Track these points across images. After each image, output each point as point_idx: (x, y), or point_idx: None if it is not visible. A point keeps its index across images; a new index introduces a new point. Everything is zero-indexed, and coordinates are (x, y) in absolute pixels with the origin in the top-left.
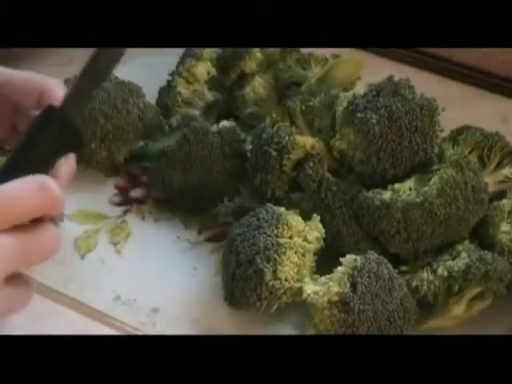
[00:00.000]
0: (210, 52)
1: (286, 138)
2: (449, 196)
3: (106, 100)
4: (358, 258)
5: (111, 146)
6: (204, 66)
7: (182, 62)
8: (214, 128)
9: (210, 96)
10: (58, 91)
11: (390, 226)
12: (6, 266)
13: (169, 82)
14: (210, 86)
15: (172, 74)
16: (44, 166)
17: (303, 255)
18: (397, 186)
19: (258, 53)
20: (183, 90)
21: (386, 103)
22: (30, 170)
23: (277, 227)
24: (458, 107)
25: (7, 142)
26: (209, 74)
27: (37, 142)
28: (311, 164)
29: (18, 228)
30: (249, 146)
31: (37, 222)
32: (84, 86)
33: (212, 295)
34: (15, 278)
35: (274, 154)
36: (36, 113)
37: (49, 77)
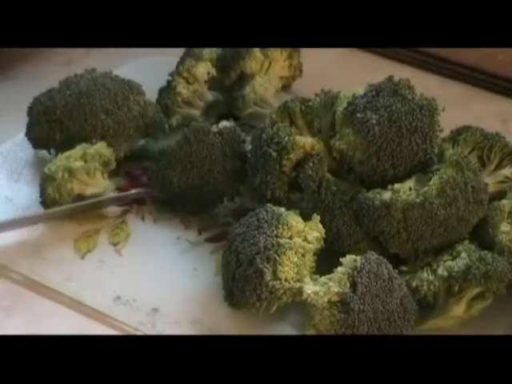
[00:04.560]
0: (209, 52)
1: (286, 138)
2: (449, 196)
3: (106, 96)
4: (358, 258)
5: (112, 141)
6: (204, 66)
7: (181, 62)
8: (215, 128)
9: (209, 96)
10: None
11: (390, 226)
12: None
13: (168, 82)
14: (209, 86)
15: (172, 75)
16: None
17: (303, 255)
18: (397, 186)
19: (257, 53)
20: (183, 90)
21: (385, 103)
22: None
23: (277, 227)
24: (458, 107)
25: None
26: (209, 74)
27: None
28: (311, 164)
29: None
30: (249, 147)
31: None
32: None
33: (212, 295)
34: None
35: (274, 154)
36: None
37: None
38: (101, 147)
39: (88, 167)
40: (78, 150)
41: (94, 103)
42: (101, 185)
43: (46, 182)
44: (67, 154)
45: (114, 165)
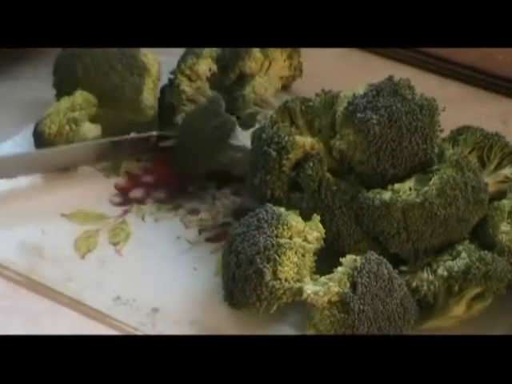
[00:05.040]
0: (210, 51)
1: (286, 138)
2: (449, 196)
3: (98, 56)
4: (358, 258)
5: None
6: (205, 63)
7: (183, 60)
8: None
9: (211, 93)
10: None
11: (390, 226)
12: None
13: (171, 81)
14: (210, 86)
15: (174, 73)
16: None
17: (303, 255)
18: (397, 186)
19: (257, 53)
20: (187, 87)
21: (386, 103)
22: None
23: (277, 227)
24: (458, 107)
25: None
26: (210, 70)
27: None
28: (311, 164)
29: None
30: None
31: None
32: None
33: (212, 295)
34: None
35: (274, 154)
36: None
37: None
38: (84, 94)
39: (82, 115)
40: (65, 102)
41: (85, 60)
42: (93, 129)
43: (50, 141)
44: (53, 109)
45: (95, 109)
